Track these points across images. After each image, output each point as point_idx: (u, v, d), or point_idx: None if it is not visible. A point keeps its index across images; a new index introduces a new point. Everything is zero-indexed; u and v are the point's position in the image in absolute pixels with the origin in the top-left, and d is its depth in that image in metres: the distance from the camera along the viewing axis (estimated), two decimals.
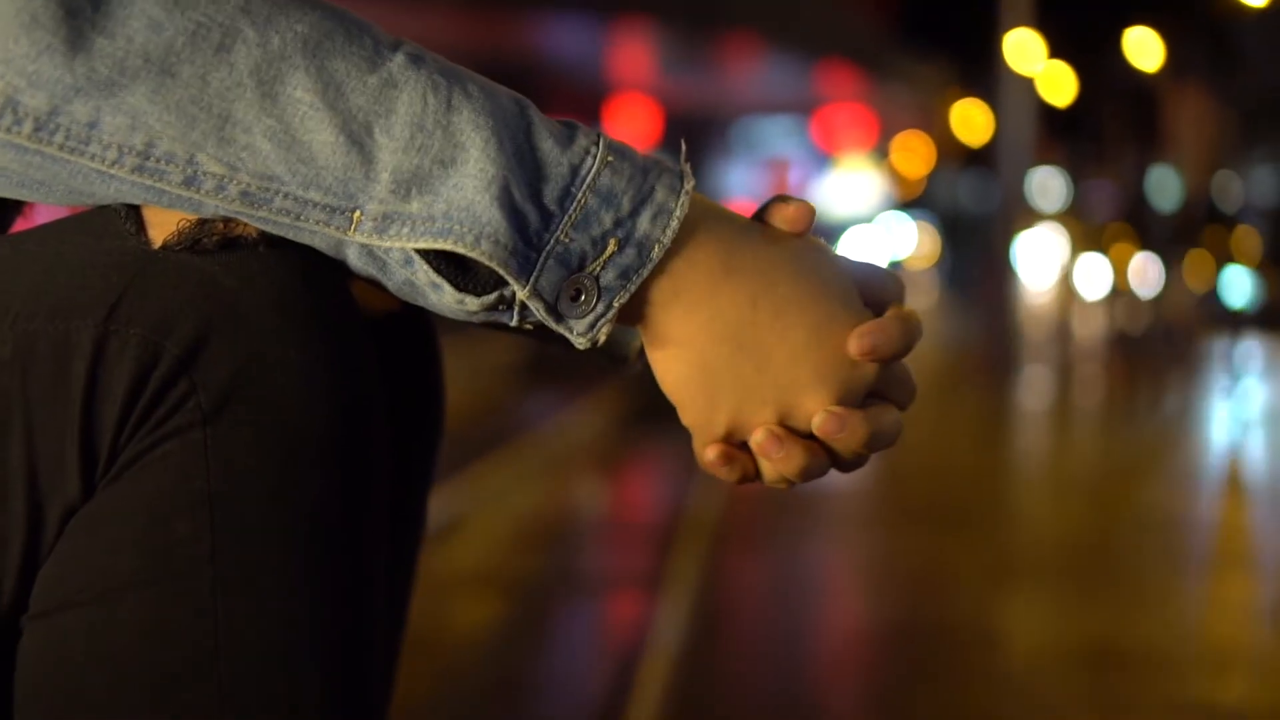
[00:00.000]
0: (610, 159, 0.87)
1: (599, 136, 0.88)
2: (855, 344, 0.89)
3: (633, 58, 18.86)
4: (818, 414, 0.89)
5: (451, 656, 4.33)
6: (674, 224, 0.86)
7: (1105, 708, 4.05)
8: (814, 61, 20.99)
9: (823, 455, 0.91)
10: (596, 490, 7.54)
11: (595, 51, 17.85)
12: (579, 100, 19.54)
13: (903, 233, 50.08)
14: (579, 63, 18.43)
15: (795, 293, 0.89)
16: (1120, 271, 21.75)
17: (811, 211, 0.92)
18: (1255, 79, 48.39)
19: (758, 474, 0.91)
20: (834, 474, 0.94)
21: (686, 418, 0.91)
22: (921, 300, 35.21)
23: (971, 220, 39.07)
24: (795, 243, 0.91)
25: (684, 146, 0.94)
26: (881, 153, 41.99)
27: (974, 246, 32.35)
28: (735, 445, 0.91)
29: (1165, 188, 46.23)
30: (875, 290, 0.95)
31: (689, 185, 0.87)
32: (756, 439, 0.89)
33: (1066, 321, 21.91)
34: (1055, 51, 23.38)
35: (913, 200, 48.50)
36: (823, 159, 34.54)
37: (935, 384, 17.22)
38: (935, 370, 18.89)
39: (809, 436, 0.89)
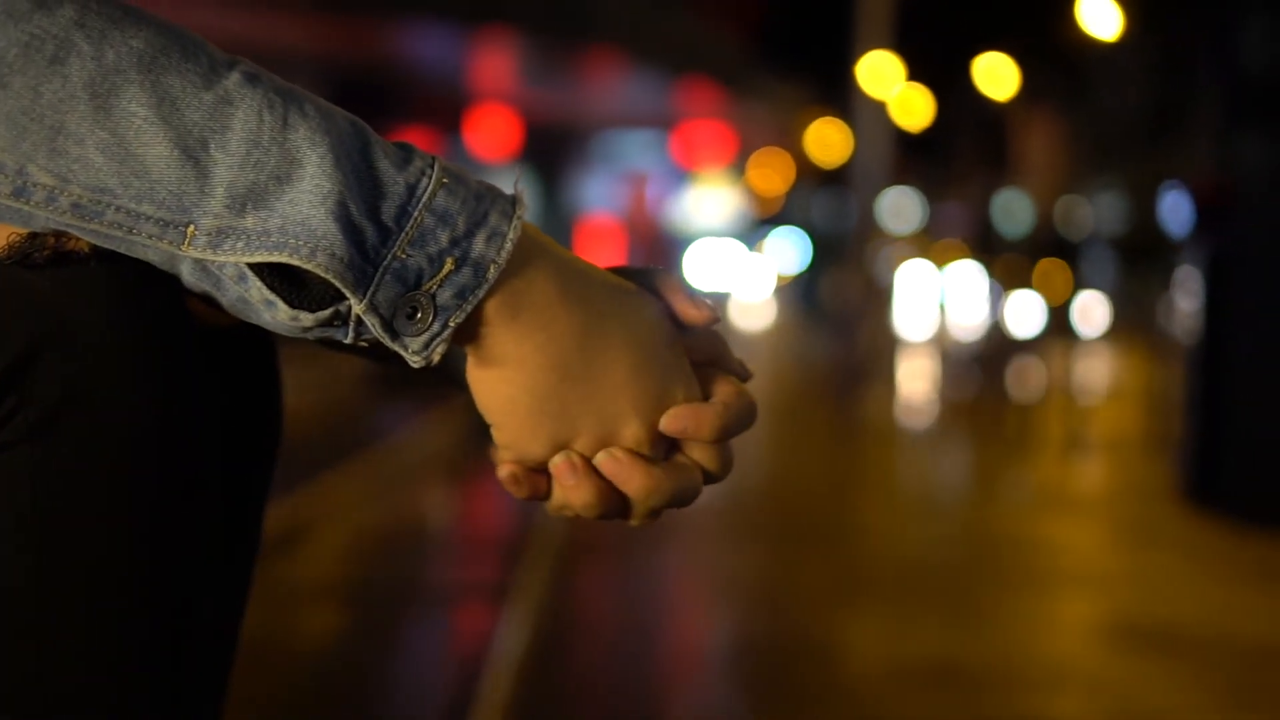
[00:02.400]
0: (446, 181, 0.88)
1: (434, 159, 0.89)
2: (667, 422, 0.90)
3: (494, 69, 18.84)
4: (601, 452, 0.90)
5: (296, 667, 4.28)
6: (508, 246, 0.87)
7: None
8: (675, 78, 21.11)
9: (610, 497, 0.92)
10: (445, 501, 7.51)
11: (457, 62, 17.79)
12: (440, 110, 19.45)
13: (772, 250, 50.50)
14: (441, 72, 18.36)
15: (620, 329, 0.90)
16: (962, 290, 22.18)
17: (714, 318, 0.94)
18: (1104, 107, 49.59)
19: (548, 496, 0.92)
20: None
21: (503, 437, 0.92)
22: (775, 317, 35.56)
23: (826, 238, 39.54)
24: (620, 283, 0.93)
25: (518, 174, 0.95)
26: (740, 169, 42.37)
27: (828, 264, 32.74)
28: (535, 468, 0.92)
29: (1013, 212, 47.22)
30: (703, 349, 0.97)
31: (521, 211, 0.88)
32: (555, 461, 0.91)
33: (911, 341, 22.26)
34: (912, 75, 23.78)
35: (769, 218, 48.92)
36: (681, 174, 34.76)
37: (785, 401, 17.40)
38: (786, 387, 19.10)
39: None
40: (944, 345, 18.49)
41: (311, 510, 6.45)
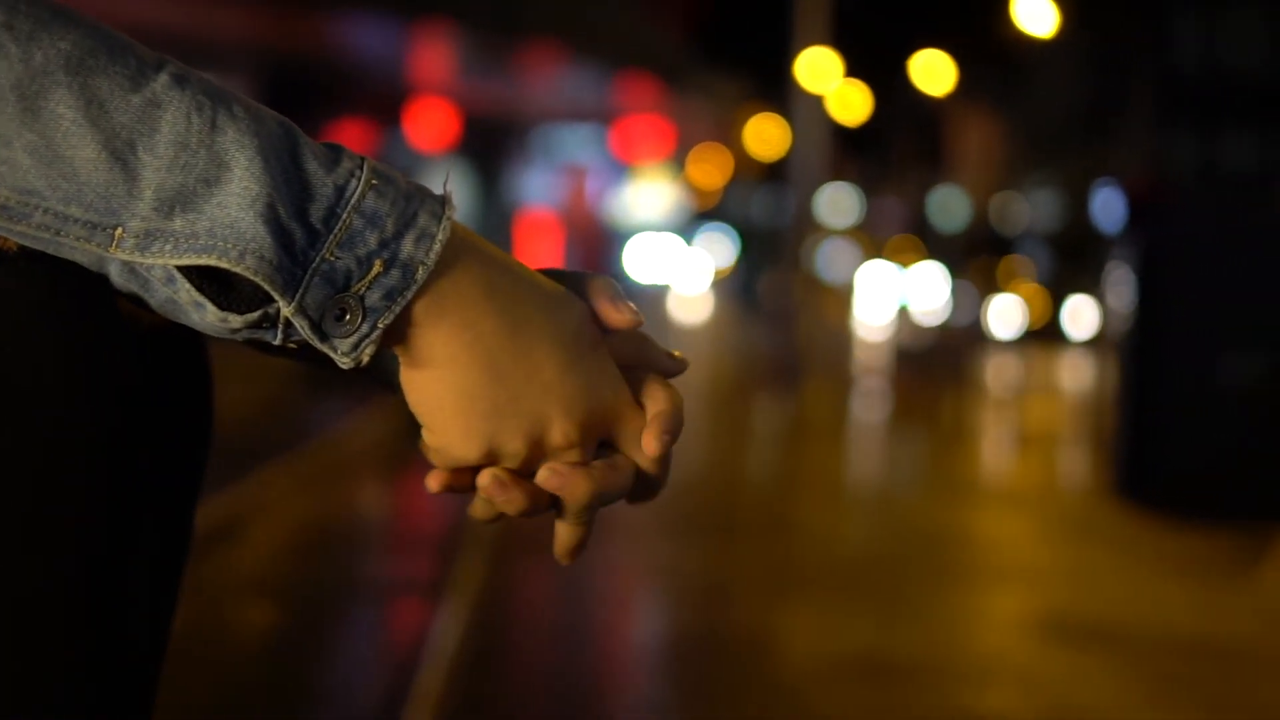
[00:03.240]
0: (375, 182, 0.88)
1: (363, 160, 0.89)
2: (649, 448, 0.94)
3: (432, 61, 18.78)
4: (542, 469, 0.92)
5: (229, 664, 4.26)
6: (437, 248, 0.87)
7: (876, 717, 4.16)
8: (614, 72, 21.12)
9: (545, 498, 0.94)
10: (380, 497, 7.49)
11: (395, 54, 17.73)
12: (379, 102, 19.37)
13: (709, 244, 50.63)
14: (379, 65, 18.29)
15: (548, 329, 0.91)
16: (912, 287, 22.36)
17: (637, 322, 0.95)
18: (1040, 104, 49.95)
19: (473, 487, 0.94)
20: None
21: (434, 439, 0.92)
22: (713, 310, 35.64)
23: (765, 233, 39.75)
24: (548, 284, 0.94)
25: (447, 175, 0.96)
26: (679, 164, 42.45)
27: (767, 259, 32.92)
28: (464, 470, 0.93)
29: (950, 207, 47.56)
30: (630, 351, 0.98)
31: (450, 211, 0.89)
32: (483, 483, 0.92)
33: (853, 336, 22.39)
34: (850, 71, 23.88)
35: (707, 212, 49.03)
36: (620, 168, 34.79)
37: (723, 395, 17.46)
38: (724, 381, 19.15)
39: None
40: (884, 341, 18.60)
41: (246, 506, 6.42)
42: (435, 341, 0.90)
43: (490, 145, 23.36)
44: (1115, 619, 5.38)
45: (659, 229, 44.22)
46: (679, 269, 48.69)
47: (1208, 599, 5.77)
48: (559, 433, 0.93)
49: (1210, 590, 5.94)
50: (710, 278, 57.90)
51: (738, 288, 45.61)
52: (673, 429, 0.96)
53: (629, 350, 0.99)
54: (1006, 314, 22.82)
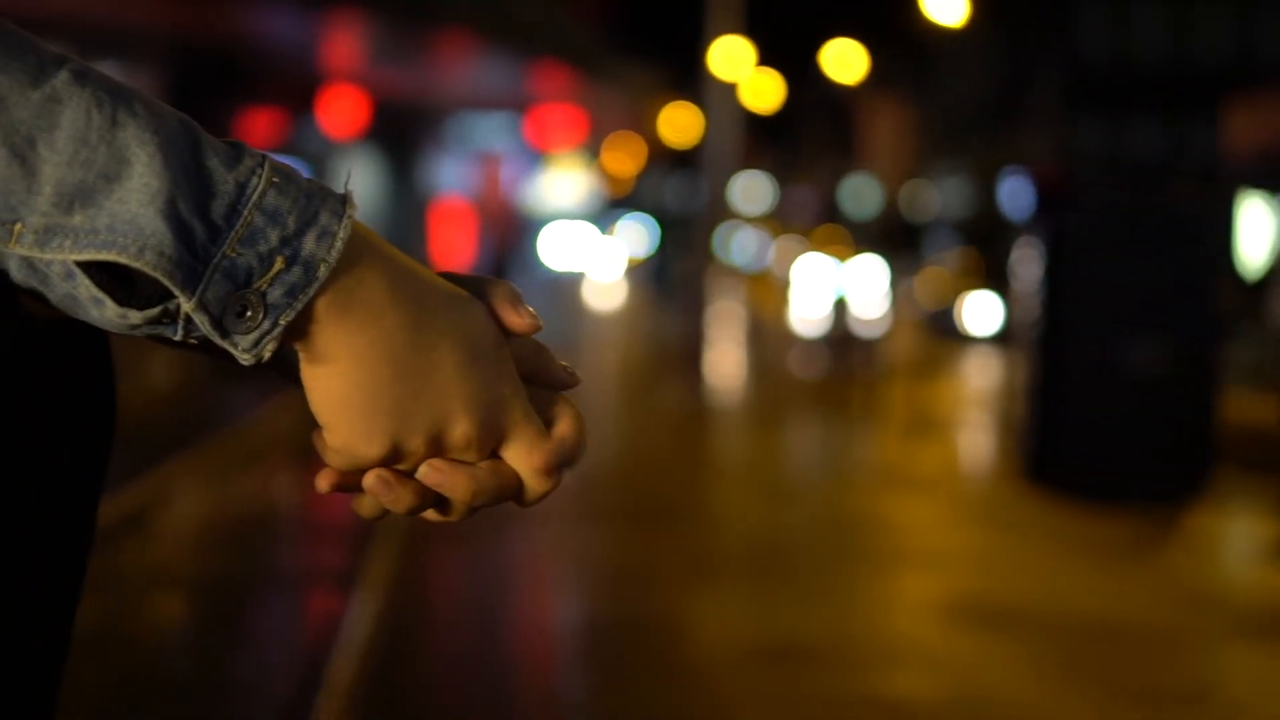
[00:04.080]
0: (276, 180, 0.89)
1: (264, 158, 0.90)
2: (540, 463, 0.95)
3: (344, 49, 18.66)
4: (423, 465, 0.93)
5: (139, 656, 4.24)
6: (339, 245, 0.89)
7: (785, 701, 4.21)
8: (528, 61, 21.06)
9: (430, 496, 0.95)
10: (291, 487, 7.45)
11: (307, 41, 17.59)
12: (290, 89, 19.21)
13: (623, 231, 50.68)
14: (290, 52, 18.14)
15: (450, 329, 0.93)
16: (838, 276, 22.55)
17: (537, 327, 0.96)
18: (950, 93, 50.35)
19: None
20: None
21: (335, 439, 0.93)
22: (627, 297, 35.69)
23: (678, 220, 39.89)
24: (449, 285, 0.96)
25: (349, 173, 0.97)
26: (593, 151, 42.44)
27: (680, 246, 33.05)
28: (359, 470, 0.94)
29: (862, 195, 47.94)
30: (527, 358, 0.99)
31: (352, 210, 0.90)
32: (368, 482, 0.93)
33: (765, 323, 22.52)
34: (763, 59, 23.97)
35: (621, 200, 49.12)
36: (535, 156, 34.72)
37: (637, 382, 17.51)
38: (637, 368, 19.20)
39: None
40: (797, 328, 18.72)
41: (154, 497, 6.37)
42: (338, 338, 0.91)
43: (404, 133, 23.24)
44: (1020, 602, 5.47)
45: (573, 216, 44.20)
46: (593, 256, 48.70)
47: (1110, 581, 5.87)
48: (459, 432, 0.94)
49: (1112, 573, 6.04)
50: (624, 265, 58.00)
51: (651, 274, 45.73)
52: (571, 457, 0.98)
53: (525, 359, 1.00)
54: (975, 311, 23.14)
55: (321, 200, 0.91)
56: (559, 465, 0.95)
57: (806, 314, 18.81)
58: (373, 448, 0.92)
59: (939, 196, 53.76)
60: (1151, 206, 9.29)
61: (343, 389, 0.91)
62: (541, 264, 44.48)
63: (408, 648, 4.70)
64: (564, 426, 0.97)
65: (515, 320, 0.97)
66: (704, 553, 6.52)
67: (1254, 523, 7.66)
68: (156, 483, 6.56)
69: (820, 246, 28.64)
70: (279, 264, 0.88)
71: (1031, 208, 10.08)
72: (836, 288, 19.77)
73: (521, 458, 0.95)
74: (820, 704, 4.16)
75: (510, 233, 30.71)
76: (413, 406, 0.92)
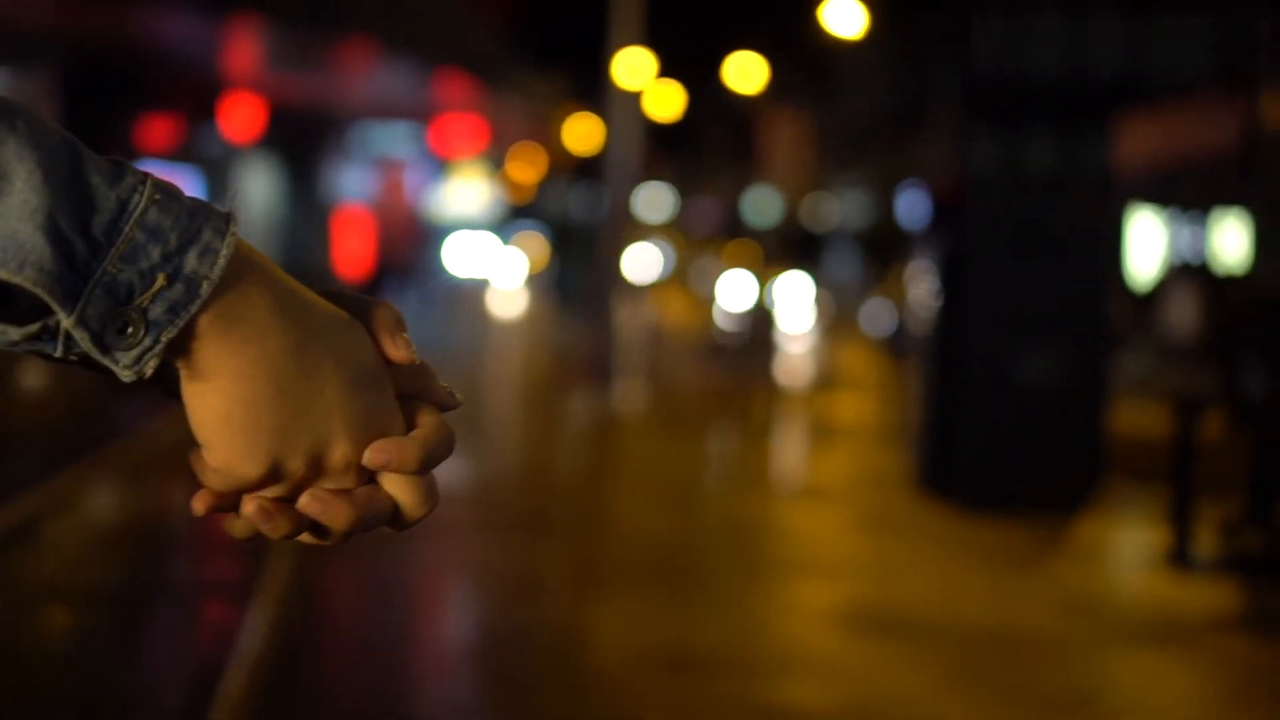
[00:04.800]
0: (158, 197, 0.90)
1: (146, 176, 0.91)
2: (371, 455, 0.94)
3: (244, 55, 18.49)
4: (304, 495, 0.93)
5: (29, 669, 4.18)
6: (221, 262, 0.89)
7: (683, 709, 4.23)
8: (431, 69, 20.96)
9: (307, 522, 0.95)
10: (185, 497, 7.34)
11: (206, 47, 17.41)
12: (189, 95, 18.99)
13: (522, 241, 50.57)
14: (189, 58, 17.94)
15: (333, 350, 0.93)
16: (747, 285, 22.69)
17: (412, 361, 0.97)
18: (850, 105, 50.79)
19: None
20: (441, 476, 0.98)
21: (216, 458, 0.93)
22: (528, 306, 35.64)
23: (581, 230, 39.94)
24: (332, 307, 0.96)
25: (234, 191, 0.98)
26: (496, 161, 42.35)
27: (582, 255, 33.09)
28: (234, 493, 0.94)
29: (762, 206, 48.23)
30: (410, 381, 1.00)
31: (235, 228, 0.91)
32: (247, 510, 0.93)
33: (663, 333, 22.58)
34: (665, 70, 24.06)
35: (524, 208, 49.07)
36: (437, 164, 34.58)
37: (536, 391, 17.49)
38: (537, 377, 19.18)
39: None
40: (706, 338, 18.80)
41: (45, 508, 6.28)
42: (220, 356, 0.91)
43: (306, 141, 23.06)
44: (914, 610, 5.54)
45: (476, 225, 44.09)
46: (495, 264, 48.61)
47: (1002, 589, 5.96)
48: (339, 454, 0.94)
49: (1004, 580, 6.13)
50: (527, 273, 57.91)
51: (553, 283, 45.74)
52: (432, 453, 0.98)
53: (409, 379, 1.01)
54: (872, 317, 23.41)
55: (205, 218, 0.92)
56: (427, 462, 0.95)
57: (718, 324, 18.91)
58: (252, 468, 0.92)
59: (839, 208, 54.15)
60: (1044, 219, 9.44)
61: (224, 407, 0.91)
62: (444, 271, 44.29)
63: (302, 660, 4.67)
64: (423, 429, 0.97)
65: (393, 352, 0.98)
66: (603, 562, 6.54)
67: (1142, 532, 7.80)
68: (47, 492, 6.47)
69: (733, 259, 28.80)
70: (161, 280, 0.89)
71: (927, 219, 10.21)
72: (752, 299, 19.91)
73: (399, 483, 0.96)
74: (718, 711, 4.20)
75: (412, 241, 30.55)
76: (294, 427, 0.92)
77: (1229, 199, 31.21)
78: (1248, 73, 12.52)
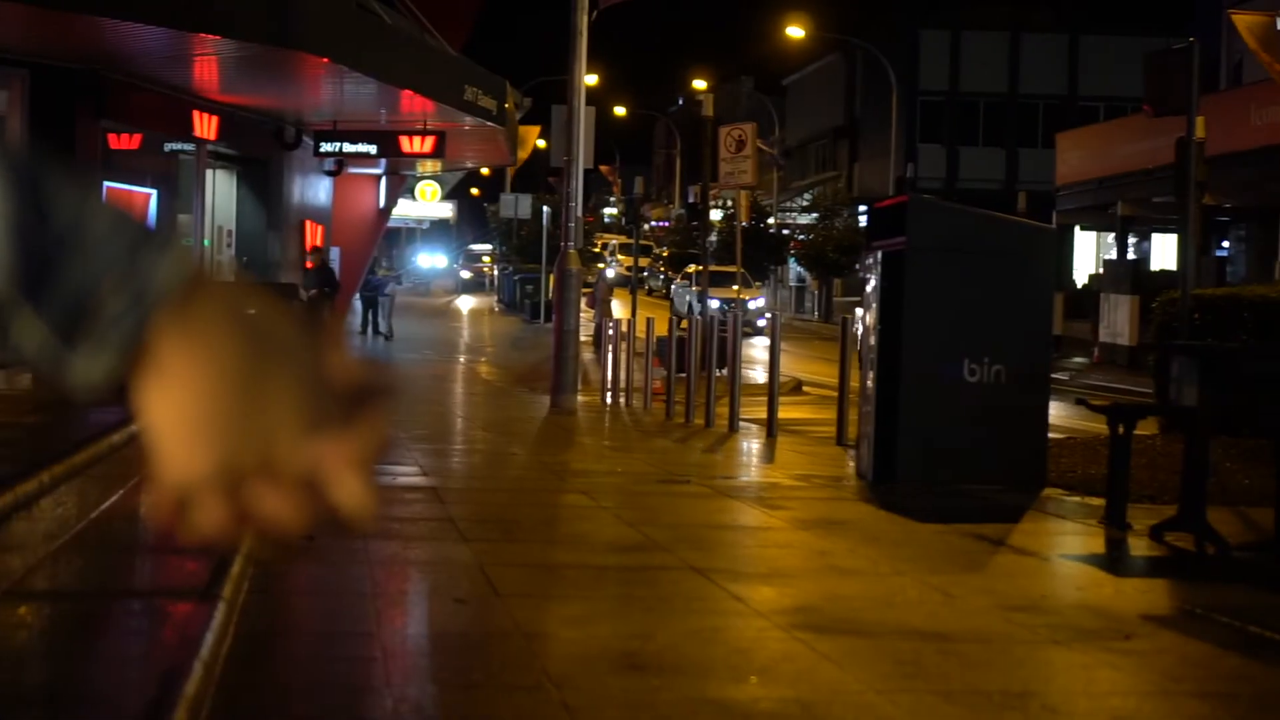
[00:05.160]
0: None
1: None
2: (311, 456, 0.99)
3: (203, 69, 18.54)
4: (253, 493, 0.92)
5: None
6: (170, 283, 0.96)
7: (632, 710, 4.34)
8: (392, 86, 20.97)
9: (262, 526, 1.00)
10: (148, 499, 7.40)
11: (167, 61, 17.44)
12: (150, 108, 18.98)
13: (477, 250, 50.50)
14: (151, 71, 17.94)
15: (282, 359, 0.98)
16: None
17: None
18: (799, 121, 50.89)
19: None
20: (395, 481, 1.04)
21: (171, 459, 0.99)
22: (486, 315, 35.60)
23: (533, 239, 40.05)
24: (284, 322, 1.01)
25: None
26: (456, 175, 42.44)
27: (532, 264, 33.06)
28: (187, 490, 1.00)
29: (714, 217, 48.56)
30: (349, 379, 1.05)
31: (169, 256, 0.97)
32: (200, 514, 0.97)
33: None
34: (619, 88, 24.18)
35: (480, 219, 48.94)
36: (399, 178, 34.65)
37: (490, 396, 17.53)
38: (491, 383, 19.20)
39: None
40: (655, 340, 18.91)
41: (7, 506, 6.33)
42: (173, 363, 0.98)
43: (268, 153, 23.05)
44: (860, 610, 5.68)
45: (433, 236, 44.00)
46: (450, 274, 48.80)
47: (945, 590, 6.11)
48: (289, 458, 0.99)
49: (947, 581, 6.29)
50: (480, 282, 58.16)
51: (507, 292, 45.85)
52: (367, 458, 1.02)
53: (346, 378, 1.06)
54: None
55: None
56: (368, 475, 1.00)
57: (672, 328, 19.05)
58: (203, 468, 0.99)
59: (790, 218, 54.42)
60: (985, 231, 9.64)
61: (179, 410, 0.98)
62: (399, 281, 44.27)
63: (261, 663, 4.77)
64: (361, 429, 1.02)
65: (331, 354, 1.03)
66: (553, 564, 6.65)
67: (1079, 534, 7.99)
68: (9, 492, 6.52)
69: (686, 266, 28.84)
70: (115, 297, 0.96)
71: (871, 229, 10.39)
72: (706, 303, 20.03)
73: (345, 485, 1.01)
74: (667, 712, 4.32)
75: (370, 252, 30.56)
76: (246, 431, 0.96)
77: (1164, 211, 31.58)
78: (1182, 89, 12.78)
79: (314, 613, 5.84)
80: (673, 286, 38.23)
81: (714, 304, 29.26)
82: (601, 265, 50.97)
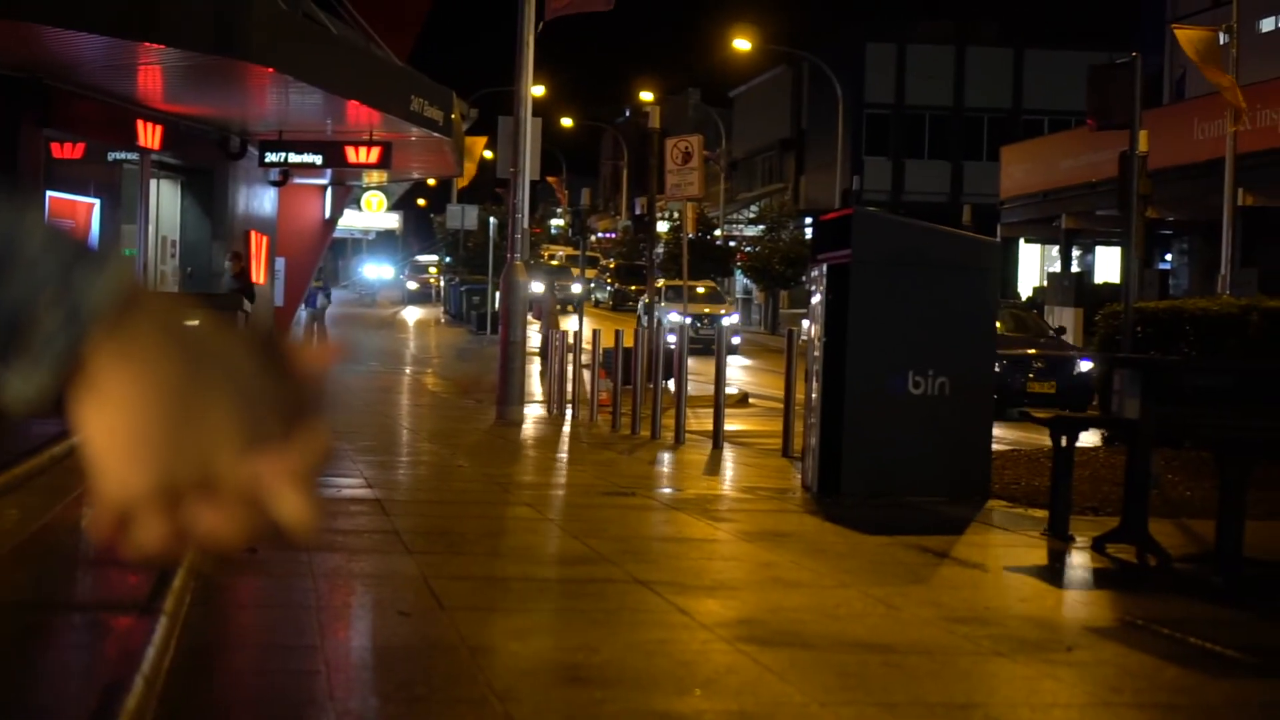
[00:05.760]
0: None
1: None
2: (249, 467, 0.99)
3: (148, 79, 18.42)
4: (196, 513, 0.97)
5: None
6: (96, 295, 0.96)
7: None
8: (338, 98, 20.89)
9: (203, 540, 1.00)
10: (89, 512, 7.33)
11: (111, 70, 17.33)
12: (93, 118, 18.85)
13: (421, 262, 50.44)
14: (94, 80, 17.82)
15: (220, 373, 0.99)
16: None
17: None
18: (746, 133, 51.05)
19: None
20: (339, 494, 1.04)
21: (110, 472, 0.98)
22: (431, 327, 35.53)
23: (478, 253, 40.02)
24: (226, 333, 1.01)
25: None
26: (402, 187, 42.36)
27: (478, 276, 33.06)
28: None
29: (662, 229, 48.73)
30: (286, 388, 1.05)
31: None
32: (139, 529, 0.97)
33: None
34: (567, 100, 24.19)
35: (425, 231, 48.92)
36: (344, 189, 34.54)
37: (435, 408, 17.50)
38: (434, 397, 19.15)
39: None
40: (602, 353, 18.92)
41: None
42: (111, 378, 0.98)
43: (213, 163, 22.93)
44: (805, 621, 5.70)
45: (378, 247, 43.93)
46: (395, 286, 48.70)
47: (889, 601, 6.14)
48: (228, 471, 0.99)
49: (891, 593, 6.31)
50: (425, 295, 58.09)
51: (452, 304, 45.75)
52: (307, 469, 1.03)
53: (289, 389, 1.06)
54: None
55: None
56: (309, 485, 1.00)
57: (619, 340, 19.04)
58: (143, 482, 0.99)
59: (736, 230, 54.62)
60: (929, 244, 9.70)
61: (117, 424, 0.98)
62: (345, 291, 44.16)
63: (204, 677, 4.74)
64: (302, 441, 1.02)
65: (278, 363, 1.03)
66: (498, 577, 6.64)
67: (1022, 546, 8.04)
68: None
69: (635, 279, 28.87)
70: (50, 312, 0.96)
71: (817, 242, 10.45)
72: (659, 317, 20.04)
73: (283, 497, 1.01)
74: None
75: (315, 263, 30.43)
76: (186, 444, 0.96)
77: (1108, 224, 31.87)
78: (1125, 103, 12.91)
79: (257, 626, 5.80)
80: (640, 302, 37.74)
81: (687, 320, 29.13)
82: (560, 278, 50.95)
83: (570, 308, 26.98)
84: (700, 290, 40.96)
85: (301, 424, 0.99)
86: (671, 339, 16.28)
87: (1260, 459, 7.32)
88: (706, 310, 37.30)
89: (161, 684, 4.35)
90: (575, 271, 53.74)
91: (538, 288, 44.20)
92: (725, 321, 35.63)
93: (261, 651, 5.35)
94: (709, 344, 14.86)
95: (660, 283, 38.92)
